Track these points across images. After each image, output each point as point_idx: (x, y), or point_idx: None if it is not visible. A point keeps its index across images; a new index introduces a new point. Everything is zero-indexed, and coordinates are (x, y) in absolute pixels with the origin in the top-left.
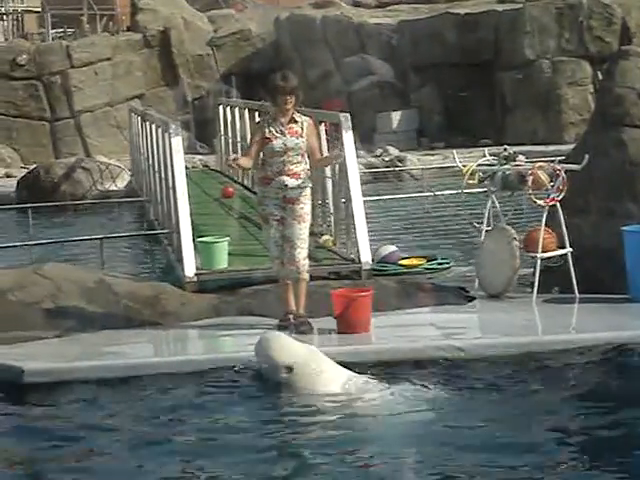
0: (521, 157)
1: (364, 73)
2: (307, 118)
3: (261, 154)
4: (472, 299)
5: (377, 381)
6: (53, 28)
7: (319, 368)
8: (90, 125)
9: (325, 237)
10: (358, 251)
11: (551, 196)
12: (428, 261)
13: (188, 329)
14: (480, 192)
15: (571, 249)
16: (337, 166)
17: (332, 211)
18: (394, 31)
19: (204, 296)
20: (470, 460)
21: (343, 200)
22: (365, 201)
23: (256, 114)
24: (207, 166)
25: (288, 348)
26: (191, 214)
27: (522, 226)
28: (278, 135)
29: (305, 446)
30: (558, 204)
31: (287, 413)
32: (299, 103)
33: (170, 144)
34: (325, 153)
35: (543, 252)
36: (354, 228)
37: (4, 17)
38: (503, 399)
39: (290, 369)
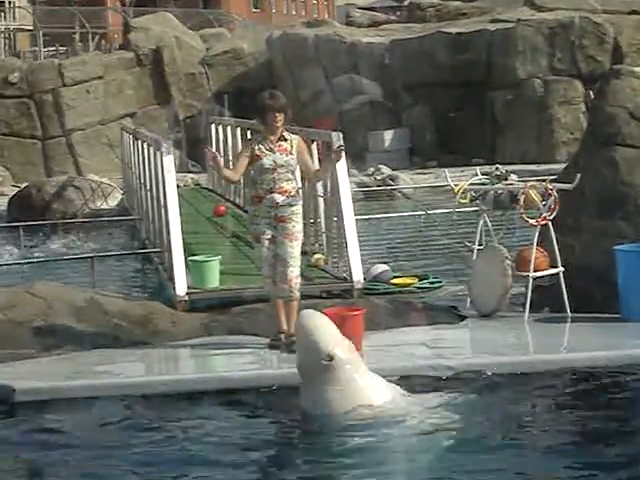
0: (513, 176)
1: (354, 93)
2: (296, 136)
3: (251, 172)
4: (464, 318)
5: (410, 394)
6: (45, 46)
7: (357, 365)
8: (82, 143)
9: (317, 256)
10: (350, 270)
11: (543, 215)
12: (420, 280)
13: (179, 348)
14: (472, 211)
15: (563, 268)
16: (329, 184)
17: (324, 230)
18: (386, 50)
19: (195, 315)
20: None
21: (335, 219)
22: (357, 220)
23: (248, 133)
24: (199, 184)
25: (331, 333)
26: (183, 233)
27: (514, 245)
28: (267, 153)
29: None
30: (550, 223)
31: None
32: (288, 121)
33: (162, 163)
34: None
35: (535, 271)
36: (346, 247)
37: None
38: (495, 420)
39: (331, 358)
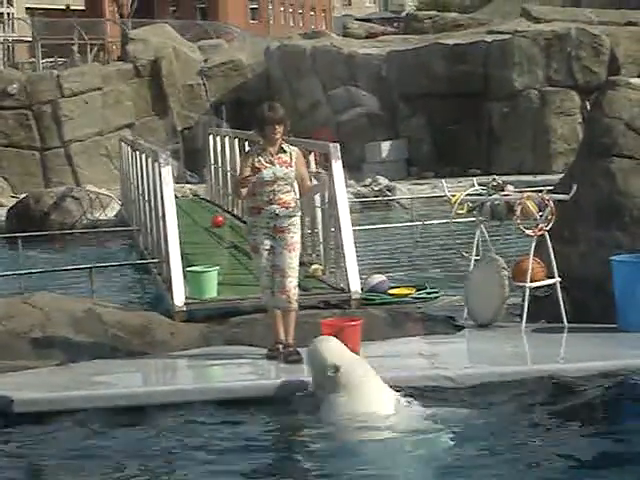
0: (510, 187)
1: (351, 104)
2: (295, 148)
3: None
4: (461, 328)
5: (418, 403)
6: (44, 57)
7: (365, 376)
8: (80, 154)
9: (315, 266)
10: (347, 280)
11: (539, 226)
12: (417, 290)
13: (177, 359)
14: (469, 222)
15: (560, 279)
16: (326, 195)
17: (322, 240)
18: (383, 61)
19: (193, 326)
20: None
21: (332, 229)
22: (354, 230)
23: (246, 144)
24: (197, 195)
25: (337, 351)
26: (181, 243)
27: (511, 256)
28: (267, 165)
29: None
30: (546, 234)
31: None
32: (287, 132)
33: (160, 173)
34: (314, 182)
35: (532, 282)
36: (343, 257)
37: None
38: (494, 431)
39: (337, 369)
